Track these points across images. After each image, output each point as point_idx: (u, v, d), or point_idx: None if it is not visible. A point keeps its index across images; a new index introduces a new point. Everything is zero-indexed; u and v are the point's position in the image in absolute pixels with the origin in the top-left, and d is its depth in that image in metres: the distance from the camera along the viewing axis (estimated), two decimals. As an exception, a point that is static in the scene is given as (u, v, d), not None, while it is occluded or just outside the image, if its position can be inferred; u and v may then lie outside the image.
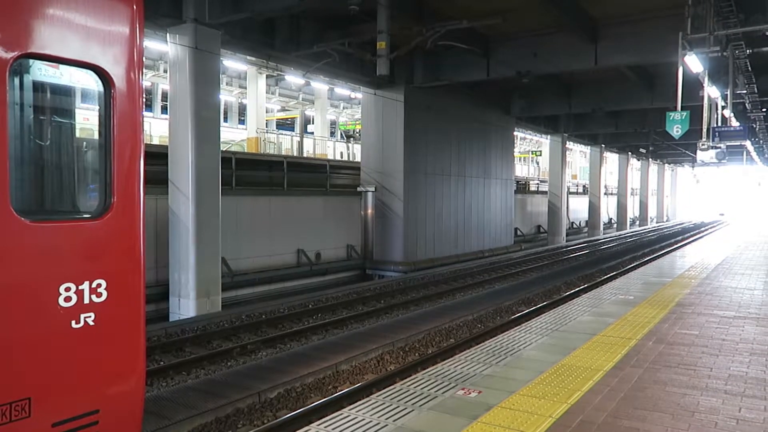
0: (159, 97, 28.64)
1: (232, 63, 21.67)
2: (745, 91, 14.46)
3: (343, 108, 36.81)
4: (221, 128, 13.22)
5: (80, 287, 2.70)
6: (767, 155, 31.89)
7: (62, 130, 3.14)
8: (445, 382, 4.53)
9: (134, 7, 2.95)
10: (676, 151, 39.65)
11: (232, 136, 27.69)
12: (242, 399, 6.82)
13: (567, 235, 32.32)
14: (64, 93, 3.07)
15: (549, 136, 31.07)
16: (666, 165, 54.79)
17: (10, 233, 2.49)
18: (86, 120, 3.01)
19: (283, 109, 35.29)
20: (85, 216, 2.94)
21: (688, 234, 36.07)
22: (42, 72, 2.85)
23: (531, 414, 3.86)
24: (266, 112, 28.62)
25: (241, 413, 6.59)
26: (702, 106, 12.13)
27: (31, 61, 2.69)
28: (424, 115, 18.74)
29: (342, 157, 30.69)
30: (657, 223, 52.32)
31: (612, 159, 44.44)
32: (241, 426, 6.31)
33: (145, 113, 3.25)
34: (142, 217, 3.00)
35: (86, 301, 2.73)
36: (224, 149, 16.84)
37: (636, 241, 31.82)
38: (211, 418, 6.39)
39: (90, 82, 2.82)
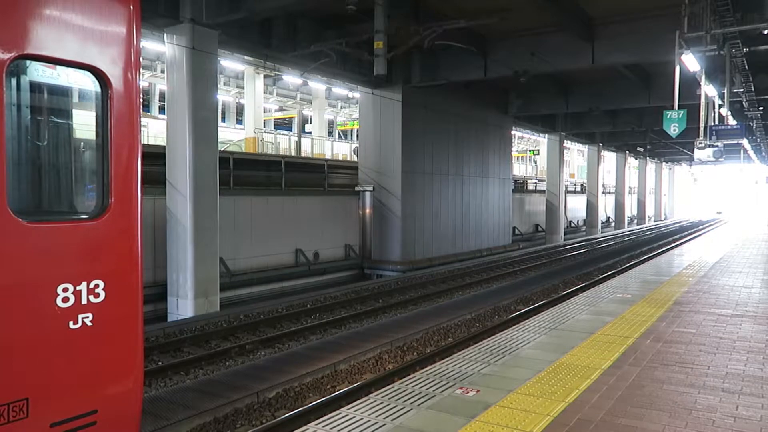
0: (156, 97, 28.62)
1: (230, 63, 21.66)
2: (741, 90, 14.48)
3: (341, 108, 36.82)
4: (219, 128, 13.20)
5: (78, 288, 2.70)
6: (764, 153, 31.93)
7: (59, 130, 3.14)
8: (444, 381, 4.54)
9: (131, 7, 2.95)
10: (673, 149, 39.72)
11: (230, 136, 27.67)
12: (241, 399, 6.82)
13: (565, 234, 32.38)
14: (62, 94, 3.07)
15: (546, 135, 31.09)
16: (663, 164, 54.88)
17: (8, 234, 2.49)
18: (83, 121, 3.00)
19: (281, 109, 35.29)
20: (82, 217, 2.94)
21: (686, 232, 36.14)
22: (39, 73, 2.85)
23: (529, 413, 3.87)
24: (264, 112, 28.60)
25: (239, 413, 6.59)
26: (699, 104, 12.15)
27: (28, 62, 2.69)
28: (421, 115, 18.75)
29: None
30: (655, 221, 52.40)
31: (610, 158, 44.52)
32: (240, 426, 6.31)
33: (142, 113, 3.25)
34: (139, 218, 3.00)
35: (84, 301, 2.73)
36: (222, 149, 16.84)
37: (634, 239, 31.87)
38: (209, 418, 6.39)
39: (87, 82, 2.82)
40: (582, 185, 43.56)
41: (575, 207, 40.12)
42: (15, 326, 2.53)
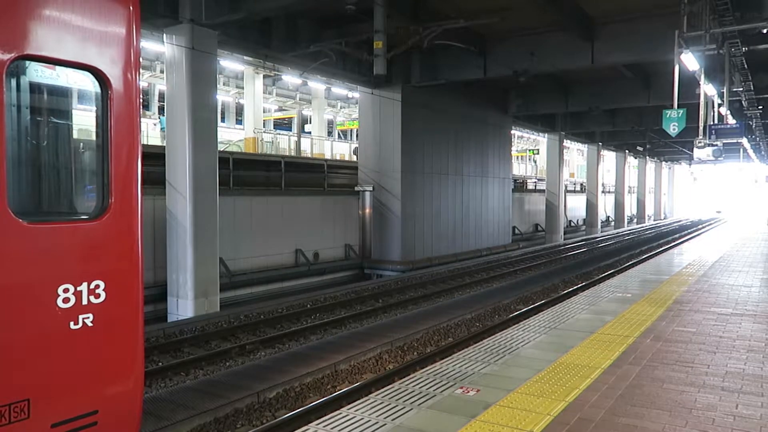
0: (156, 97, 28.61)
1: (229, 63, 21.66)
2: (741, 89, 14.48)
3: (341, 108, 36.81)
4: (218, 128, 13.20)
5: (78, 288, 2.70)
6: (763, 152, 31.94)
7: (59, 131, 3.14)
8: (444, 380, 4.54)
9: (130, 8, 2.95)
10: (673, 148, 39.73)
11: (230, 136, 27.67)
12: (241, 399, 6.82)
13: (565, 234, 32.38)
14: (61, 94, 3.07)
15: (546, 135, 31.10)
16: (663, 163, 54.87)
17: (8, 235, 2.49)
18: (83, 121, 3.00)
19: (281, 109, 35.28)
20: (82, 217, 2.94)
21: (686, 231, 36.14)
22: (39, 73, 2.85)
23: (529, 412, 3.88)
24: (263, 112, 28.59)
25: (240, 413, 6.59)
26: (698, 103, 12.15)
27: (27, 62, 2.69)
28: (421, 114, 18.75)
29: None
30: (654, 220, 52.39)
31: (609, 157, 44.53)
32: (240, 426, 6.31)
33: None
34: (139, 218, 3.01)
35: (84, 302, 2.73)
36: (221, 149, 16.84)
37: (633, 238, 31.87)
38: (209, 419, 6.39)
39: (87, 83, 2.82)
40: (582, 184, 43.54)
41: (575, 206, 40.12)
42: (16, 327, 2.53)
